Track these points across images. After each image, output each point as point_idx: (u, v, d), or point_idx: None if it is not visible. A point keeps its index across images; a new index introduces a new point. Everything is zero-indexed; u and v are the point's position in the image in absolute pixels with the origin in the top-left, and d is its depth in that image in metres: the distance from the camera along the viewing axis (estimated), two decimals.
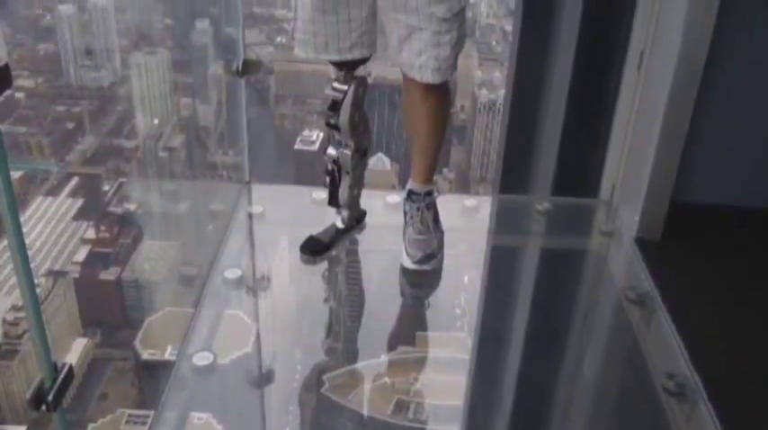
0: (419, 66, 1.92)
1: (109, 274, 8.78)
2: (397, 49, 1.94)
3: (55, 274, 8.49)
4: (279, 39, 8.22)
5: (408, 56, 1.93)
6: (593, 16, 2.55)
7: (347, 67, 2.03)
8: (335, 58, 2.00)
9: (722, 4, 2.07)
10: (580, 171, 2.72)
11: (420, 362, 2.09)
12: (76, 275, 8.76)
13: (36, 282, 1.42)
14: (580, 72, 2.62)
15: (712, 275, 2.23)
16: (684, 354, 1.89)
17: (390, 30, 1.94)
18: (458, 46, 1.93)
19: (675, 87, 2.17)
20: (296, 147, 8.75)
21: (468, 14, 1.95)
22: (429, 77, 1.94)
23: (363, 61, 2.03)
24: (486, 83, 9.08)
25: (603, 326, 2.32)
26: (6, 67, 0.99)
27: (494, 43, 8.99)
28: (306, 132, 8.85)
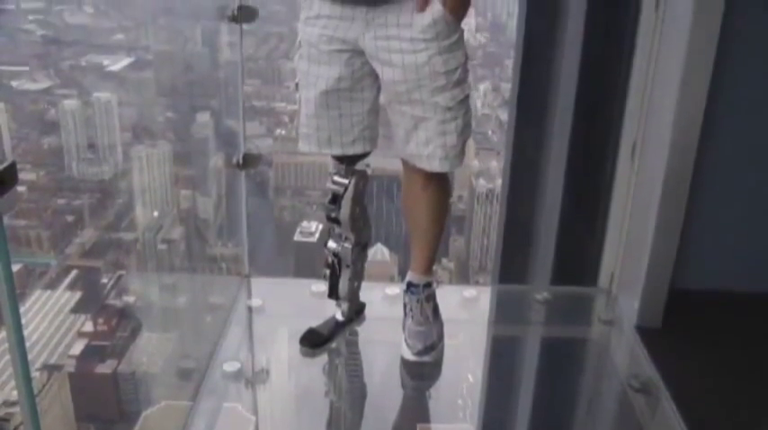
0: (427, 155, 1.94)
1: (105, 368, 8.63)
2: (404, 140, 1.97)
3: (50, 369, 8.36)
4: (278, 131, 8.33)
5: (416, 146, 1.95)
6: (586, 106, 2.60)
7: (348, 161, 2.06)
8: (338, 152, 2.03)
9: (711, 91, 2.12)
10: (578, 260, 2.73)
11: None
12: (72, 369, 8.62)
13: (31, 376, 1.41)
14: (575, 161, 2.66)
15: (715, 361, 2.22)
16: None
17: (396, 122, 1.97)
18: (464, 133, 1.95)
19: (669, 175, 2.21)
20: (295, 238, 8.75)
21: (471, 95, 1.96)
22: (437, 166, 1.95)
23: (365, 156, 2.06)
24: (483, 172, 9.16)
25: (608, 415, 2.29)
26: (13, 164, 1.00)
27: (490, 133, 9.10)
28: (305, 224, 8.85)
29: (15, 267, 1.26)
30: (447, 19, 1.81)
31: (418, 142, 1.94)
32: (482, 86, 8.65)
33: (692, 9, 2.07)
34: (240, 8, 2.38)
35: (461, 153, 1.98)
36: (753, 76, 2.34)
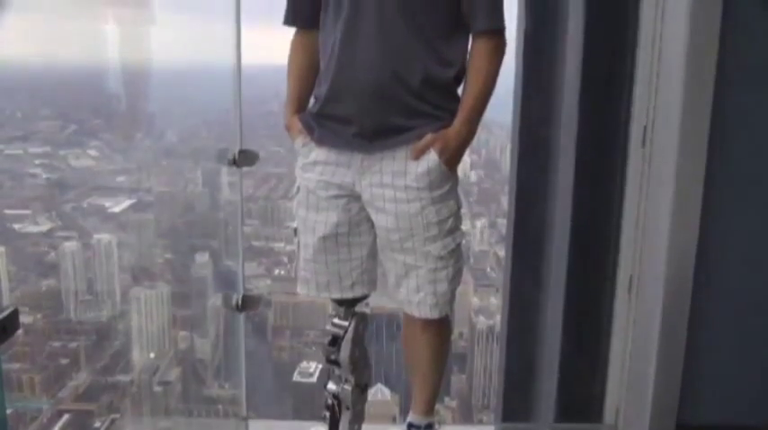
0: (417, 302, 1.94)
1: None
2: (396, 286, 1.97)
3: None
4: (277, 271, 8.36)
5: (406, 293, 1.95)
6: (582, 242, 2.63)
7: (348, 304, 2.05)
8: (337, 296, 2.03)
9: (703, 223, 2.16)
10: (582, 396, 2.68)
11: None
12: None
13: None
14: (573, 297, 2.67)
15: None
16: None
17: (389, 268, 1.98)
18: (455, 281, 1.96)
19: (667, 309, 2.21)
20: (294, 379, 8.61)
21: (462, 242, 1.98)
22: (427, 313, 1.95)
23: (364, 298, 2.06)
24: (482, 309, 9.13)
25: None
26: (15, 311, 1.00)
27: (488, 269, 9.13)
28: (304, 364, 8.75)
29: (6, 412, 1.25)
30: (442, 168, 1.85)
31: (409, 289, 1.95)
32: (479, 223, 8.74)
33: (677, 144, 2.13)
34: (241, 152, 2.44)
35: (452, 300, 1.98)
36: (743, 208, 2.37)
